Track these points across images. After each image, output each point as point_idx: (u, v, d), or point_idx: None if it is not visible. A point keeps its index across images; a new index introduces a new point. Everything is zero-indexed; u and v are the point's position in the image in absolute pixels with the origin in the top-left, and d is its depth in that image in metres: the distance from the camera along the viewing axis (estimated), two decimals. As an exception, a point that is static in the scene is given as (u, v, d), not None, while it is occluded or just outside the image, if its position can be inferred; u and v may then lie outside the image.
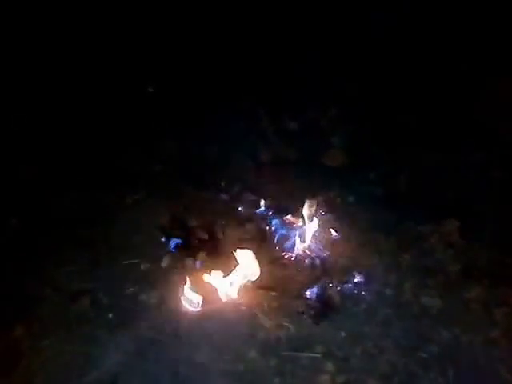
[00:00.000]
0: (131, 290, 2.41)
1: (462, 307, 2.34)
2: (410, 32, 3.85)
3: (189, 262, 2.53)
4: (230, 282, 2.37)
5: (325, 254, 2.64)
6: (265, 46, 3.91)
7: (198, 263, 2.52)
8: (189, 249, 2.60)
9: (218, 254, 2.56)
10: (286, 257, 2.62)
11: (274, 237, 2.72)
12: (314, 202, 2.91)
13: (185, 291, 2.35)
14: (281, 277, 2.49)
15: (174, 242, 2.65)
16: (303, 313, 2.30)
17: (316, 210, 2.88)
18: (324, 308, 2.32)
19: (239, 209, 2.92)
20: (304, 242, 2.68)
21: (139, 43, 3.78)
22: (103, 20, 3.77)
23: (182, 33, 3.96)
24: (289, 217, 2.82)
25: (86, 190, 2.99)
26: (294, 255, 2.63)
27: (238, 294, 2.38)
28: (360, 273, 2.51)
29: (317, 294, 2.40)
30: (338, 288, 2.43)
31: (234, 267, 2.38)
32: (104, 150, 3.27)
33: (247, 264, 2.38)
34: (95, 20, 3.76)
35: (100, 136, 3.34)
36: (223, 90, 3.61)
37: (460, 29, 3.74)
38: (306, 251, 2.65)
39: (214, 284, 2.37)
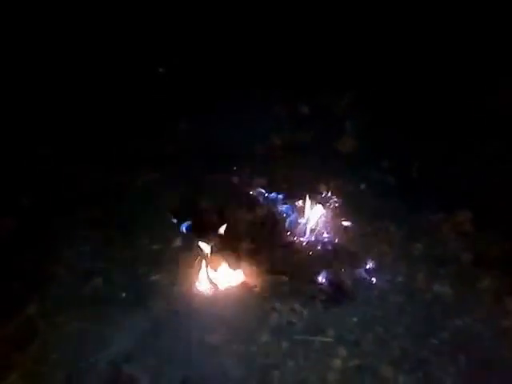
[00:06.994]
0: (144, 270, 2.42)
1: (474, 296, 2.34)
2: (425, 17, 3.77)
3: (200, 243, 2.54)
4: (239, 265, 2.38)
5: (336, 240, 2.64)
6: (278, 29, 3.84)
7: (208, 245, 2.53)
8: (200, 231, 2.59)
9: (228, 237, 2.54)
10: (297, 242, 2.62)
11: (286, 222, 2.71)
12: (326, 187, 2.93)
13: (196, 272, 2.36)
14: (292, 262, 2.49)
15: (185, 223, 2.65)
16: (315, 297, 2.31)
17: (327, 196, 2.88)
18: (336, 293, 2.33)
19: (251, 193, 2.91)
20: (315, 227, 2.67)
21: (153, 28, 3.75)
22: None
23: (194, 16, 3.90)
24: (300, 202, 2.80)
25: (98, 171, 2.97)
26: (305, 240, 2.63)
27: (250, 277, 2.38)
28: (372, 260, 2.51)
29: (328, 279, 2.41)
30: (350, 274, 2.43)
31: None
32: (116, 131, 3.24)
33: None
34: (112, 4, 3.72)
35: (113, 117, 3.31)
36: (236, 74, 3.56)
37: (475, 17, 3.66)
38: (318, 237, 2.65)
39: (224, 267, 2.38)
